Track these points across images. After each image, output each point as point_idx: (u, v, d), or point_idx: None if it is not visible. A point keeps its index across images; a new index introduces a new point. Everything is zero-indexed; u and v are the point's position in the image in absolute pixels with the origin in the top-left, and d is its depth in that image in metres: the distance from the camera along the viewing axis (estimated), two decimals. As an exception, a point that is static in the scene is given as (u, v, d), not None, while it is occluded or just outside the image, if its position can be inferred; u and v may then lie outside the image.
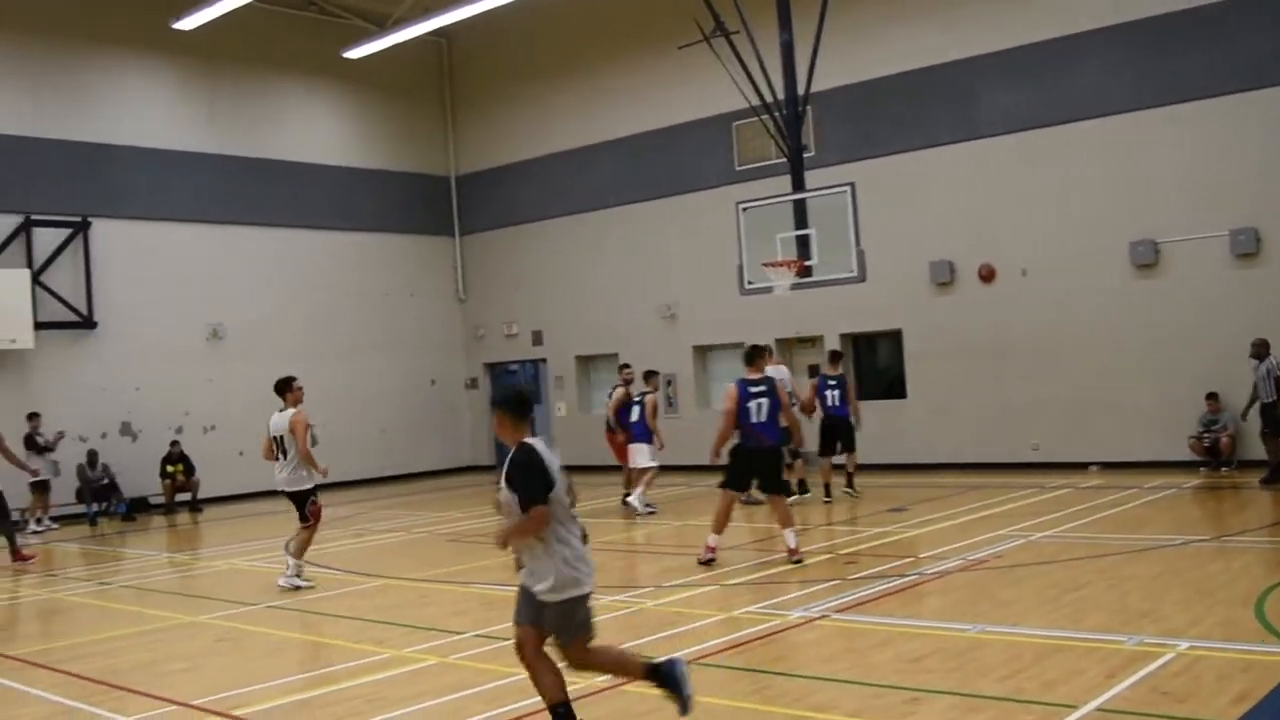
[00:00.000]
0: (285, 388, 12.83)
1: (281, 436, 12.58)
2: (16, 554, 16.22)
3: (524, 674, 8.00)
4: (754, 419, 12.32)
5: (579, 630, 6.32)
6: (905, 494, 17.69)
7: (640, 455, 17.61)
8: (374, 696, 7.79)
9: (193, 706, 7.86)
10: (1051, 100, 19.82)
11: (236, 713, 7.61)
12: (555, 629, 6.30)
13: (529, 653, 6.41)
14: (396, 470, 27.40)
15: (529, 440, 6.42)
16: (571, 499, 6.45)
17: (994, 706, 6.63)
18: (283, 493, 12.87)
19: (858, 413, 17.93)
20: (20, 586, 14.55)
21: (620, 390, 18.47)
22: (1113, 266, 19.28)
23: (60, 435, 21.21)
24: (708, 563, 12.21)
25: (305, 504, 12.63)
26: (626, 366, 19.02)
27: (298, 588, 12.42)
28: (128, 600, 12.94)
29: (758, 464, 12.45)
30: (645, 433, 17.58)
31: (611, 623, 9.84)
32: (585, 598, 6.32)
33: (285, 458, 12.58)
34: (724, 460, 12.73)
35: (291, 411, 12.62)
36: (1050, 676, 7.17)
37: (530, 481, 6.22)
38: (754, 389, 12.41)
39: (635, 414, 17.72)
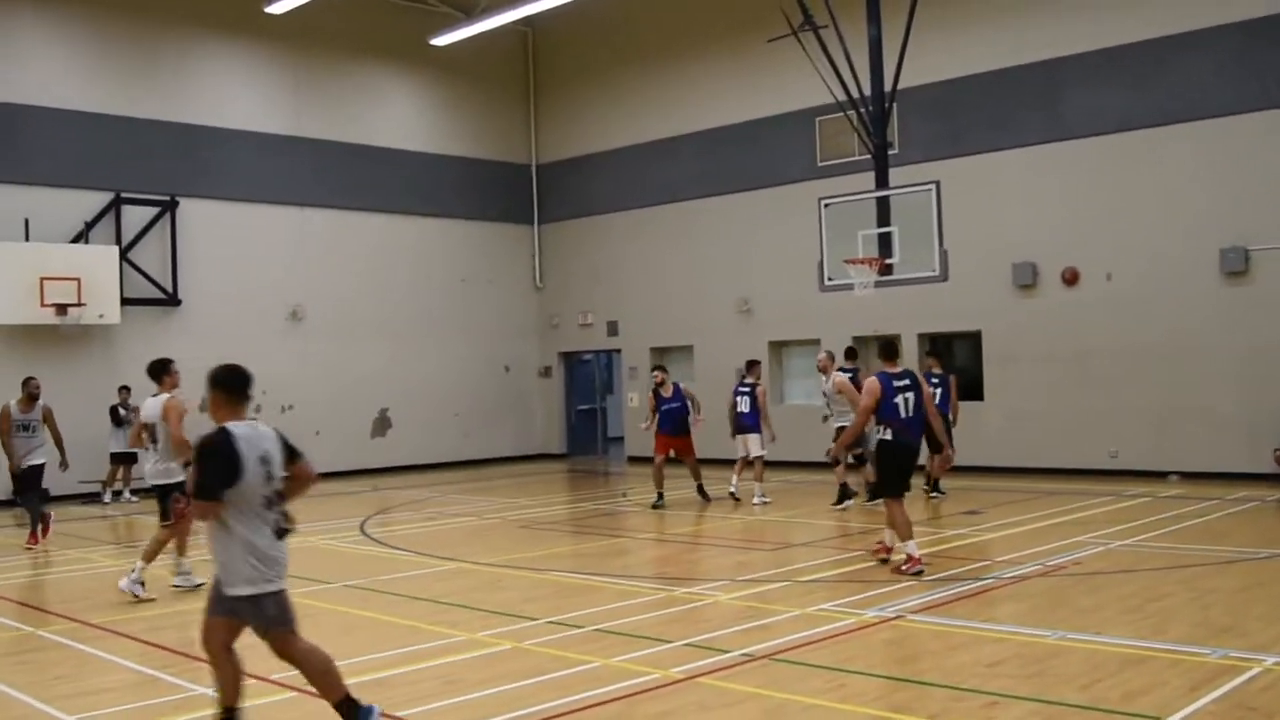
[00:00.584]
0: (161, 370, 11.78)
1: (154, 424, 11.66)
2: (36, 535, 15.54)
3: (598, 661, 8.07)
4: (902, 415, 11.55)
5: (272, 623, 6.25)
6: (980, 497, 17.50)
7: (754, 445, 17.73)
8: (450, 678, 7.84)
9: (270, 681, 7.95)
10: (1144, 102, 19.48)
11: (313, 688, 7.67)
12: (250, 621, 6.27)
13: (214, 646, 6.35)
14: (468, 455, 27.57)
15: (229, 425, 6.15)
16: (274, 492, 6.22)
17: (1076, 715, 6.54)
18: (150, 486, 12.07)
19: (957, 413, 17.84)
20: (101, 557, 14.82)
21: (649, 395, 18.83)
22: (1201, 273, 18.94)
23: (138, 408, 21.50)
24: (918, 573, 11.11)
25: (169, 500, 11.69)
26: (658, 368, 19.06)
27: (137, 596, 11.31)
28: (204, 574, 13.10)
29: (907, 462, 11.77)
30: (757, 423, 17.72)
31: (684, 615, 9.85)
32: (268, 595, 6.20)
33: (155, 446, 11.70)
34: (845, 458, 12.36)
35: (166, 396, 11.67)
36: (1132, 687, 7.06)
37: (209, 471, 6.03)
38: (898, 383, 11.66)
39: (746, 405, 17.74)
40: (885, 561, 11.80)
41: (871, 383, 11.69)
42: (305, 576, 12.42)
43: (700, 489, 18.17)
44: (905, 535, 11.50)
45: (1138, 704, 6.69)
